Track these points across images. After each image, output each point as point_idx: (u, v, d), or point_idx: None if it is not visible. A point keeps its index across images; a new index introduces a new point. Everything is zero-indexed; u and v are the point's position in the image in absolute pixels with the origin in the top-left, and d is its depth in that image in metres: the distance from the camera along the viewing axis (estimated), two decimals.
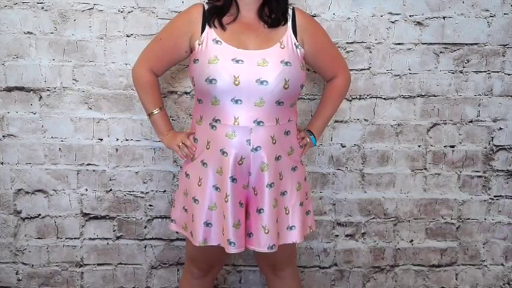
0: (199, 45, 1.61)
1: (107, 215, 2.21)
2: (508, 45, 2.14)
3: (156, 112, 1.76)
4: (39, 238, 2.22)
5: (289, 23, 1.68)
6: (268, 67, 1.58)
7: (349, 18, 2.09)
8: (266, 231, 1.64)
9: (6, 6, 2.02)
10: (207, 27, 1.62)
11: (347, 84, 1.89)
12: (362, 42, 2.12)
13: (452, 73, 2.16)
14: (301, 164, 1.78)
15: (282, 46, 1.63)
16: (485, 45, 2.14)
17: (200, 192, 1.65)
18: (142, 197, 2.20)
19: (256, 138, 1.59)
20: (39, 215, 2.20)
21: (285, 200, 1.70)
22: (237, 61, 1.56)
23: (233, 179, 1.60)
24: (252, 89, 1.57)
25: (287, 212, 1.70)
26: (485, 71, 2.17)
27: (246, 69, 1.56)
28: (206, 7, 1.67)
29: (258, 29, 1.65)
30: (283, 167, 1.67)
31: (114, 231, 2.23)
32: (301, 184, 1.74)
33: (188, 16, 1.67)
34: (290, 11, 1.70)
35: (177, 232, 1.87)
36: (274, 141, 1.62)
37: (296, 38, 1.67)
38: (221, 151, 1.60)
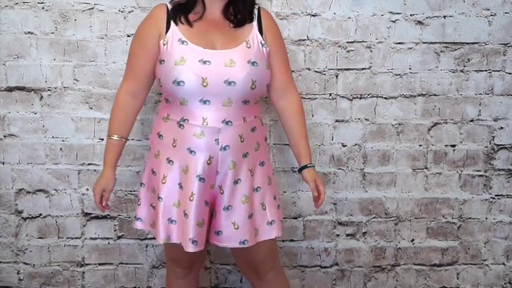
0: (164, 45, 1.58)
1: (108, 215, 2.21)
2: (508, 44, 2.14)
3: (116, 139, 1.67)
4: (40, 238, 2.22)
5: (255, 22, 1.69)
6: (236, 68, 1.57)
7: (349, 18, 2.09)
8: (236, 226, 1.64)
9: (7, 6, 2.02)
10: (172, 25, 1.60)
11: (301, 103, 1.82)
12: (363, 41, 2.12)
13: (453, 72, 2.16)
14: (268, 160, 1.79)
15: (248, 45, 1.63)
16: (486, 44, 2.14)
17: (164, 190, 1.63)
18: None
19: (224, 138, 1.60)
20: (41, 214, 2.20)
21: (260, 196, 1.70)
22: (204, 62, 1.55)
23: (201, 179, 1.60)
24: (220, 90, 1.56)
25: (264, 207, 1.69)
26: (486, 70, 2.16)
27: (213, 70, 1.56)
28: (170, 7, 1.65)
29: (224, 27, 1.65)
30: (252, 163, 1.68)
31: (115, 230, 2.23)
32: (271, 178, 1.75)
33: (152, 18, 1.64)
34: (256, 10, 1.71)
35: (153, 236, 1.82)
36: (242, 140, 1.63)
37: (262, 37, 1.68)
38: (188, 150, 1.60)
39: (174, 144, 1.62)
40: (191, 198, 1.60)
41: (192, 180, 1.60)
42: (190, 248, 1.60)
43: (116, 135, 1.67)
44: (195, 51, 1.56)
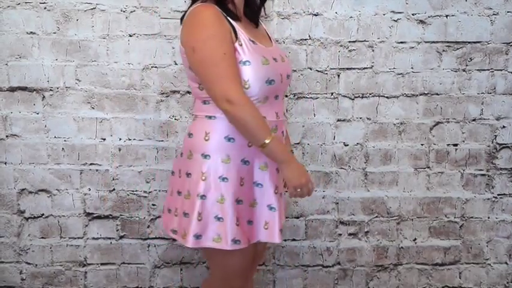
0: (240, 45, 1.51)
1: (110, 215, 2.22)
2: (511, 43, 2.14)
3: (273, 135, 1.52)
4: (42, 238, 2.22)
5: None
6: (286, 63, 1.64)
7: (351, 17, 2.09)
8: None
9: (9, 6, 2.02)
10: (234, 25, 1.53)
11: None
12: (364, 41, 2.11)
13: (455, 71, 2.16)
14: None
15: (275, 42, 1.70)
16: (488, 44, 2.14)
17: (242, 192, 1.57)
18: (145, 197, 2.21)
19: (283, 129, 1.67)
20: (43, 214, 2.21)
21: None
22: (275, 60, 1.58)
23: (277, 170, 1.62)
24: (285, 84, 1.63)
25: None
26: (488, 69, 2.16)
27: (282, 67, 1.60)
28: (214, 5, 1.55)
29: (251, 26, 1.65)
30: None
31: (117, 230, 2.23)
32: None
33: (217, 17, 1.50)
34: None
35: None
36: None
37: None
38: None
39: (249, 144, 1.57)
40: (276, 191, 1.60)
41: (274, 174, 1.61)
42: (280, 239, 1.60)
43: (271, 135, 1.51)
44: (265, 50, 1.57)
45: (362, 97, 2.17)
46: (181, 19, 1.58)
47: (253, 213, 1.60)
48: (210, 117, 1.57)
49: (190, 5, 1.56)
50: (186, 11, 1.56)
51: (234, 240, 1.54)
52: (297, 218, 2.25)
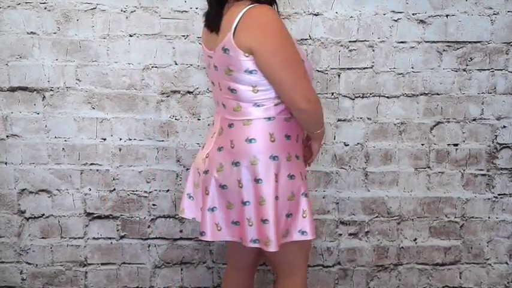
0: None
1: (111, 215, 2.22)
2: (511, 43, 2.14)
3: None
4: (43, 238, 2.22)
5: None
6: None
7: (352, 17, 2.09)
8: None
9: (9, 6, 2.02)
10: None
11: None
12: (365, 40, 2.11)
13: (456, 71, 2.16)
14: None
15: None
16: (488, 43, 2.14)
17: (305, 186, 1.63)
18: (146, 197, 2.21)
19: None
20: (43, 214, 2.21)
21: None
22: None
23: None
24: None
25: None
26: (488, 69, 2.16)
27: None
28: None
29: None
30: None
31: (117, 230, 2.23)
32: None
33: (281, 20, 1.52)
34: None
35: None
36: None
37: None
38: (302, 140, 1.67)
39: (297, 140, 1.63)
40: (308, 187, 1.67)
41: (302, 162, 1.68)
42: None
43: None
44: None
45: (362, 97, 2.17)
46: (216, 23, 1.52)
47: (310, 206, 1.66)
48: (269, 118, 1.56)
49: (219, 6, 1.52)
50: (219, 15, 1.51)
51: (301, 231, 1.61)
52: None
